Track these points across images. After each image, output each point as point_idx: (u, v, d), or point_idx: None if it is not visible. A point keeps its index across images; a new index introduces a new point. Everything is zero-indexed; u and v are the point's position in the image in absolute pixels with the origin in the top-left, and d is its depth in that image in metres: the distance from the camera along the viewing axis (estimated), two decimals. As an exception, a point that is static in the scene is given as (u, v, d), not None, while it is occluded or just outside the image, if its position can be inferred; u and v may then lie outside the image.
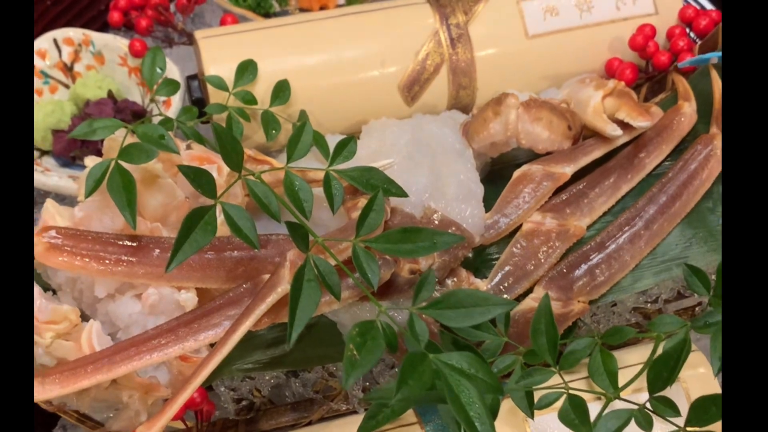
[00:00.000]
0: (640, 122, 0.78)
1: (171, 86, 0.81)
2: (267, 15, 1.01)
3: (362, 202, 0.72)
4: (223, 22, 0.93)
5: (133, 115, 0.90)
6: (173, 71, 0.91)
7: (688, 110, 0.83)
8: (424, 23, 0.88)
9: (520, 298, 0.75)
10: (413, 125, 0.83)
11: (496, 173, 0.83)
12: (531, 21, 0.89)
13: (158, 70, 0.80)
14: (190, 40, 0.95)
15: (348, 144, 0.73)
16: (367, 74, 0.87)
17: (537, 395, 0.66)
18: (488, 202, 0.78)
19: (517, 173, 0.78)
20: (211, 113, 0.82)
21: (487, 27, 0.89)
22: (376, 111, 0.89)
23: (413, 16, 0.89)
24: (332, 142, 0.84)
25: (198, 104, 0.87)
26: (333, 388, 0.78)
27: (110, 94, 0.91)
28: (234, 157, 0.68)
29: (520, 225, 0.76)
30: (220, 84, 0.83)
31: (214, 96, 0.85)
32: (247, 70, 0.84)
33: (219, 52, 0.86)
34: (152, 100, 0.92)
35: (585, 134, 0.83)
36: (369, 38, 0.88)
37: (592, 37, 0.91)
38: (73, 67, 0.95)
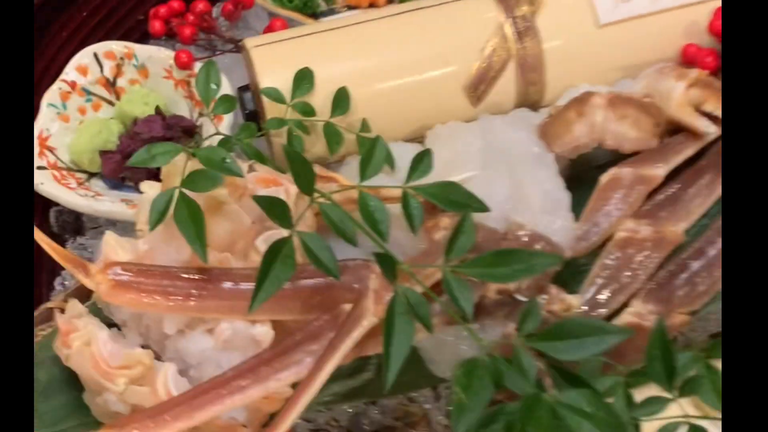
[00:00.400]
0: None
1: (227, 103, 0.76)
2: (314, 15, 0.96)
3: (444, 221, 0.68)
4: (270, 28, 0.88)
5: (183, 131, 0.85)
6: (223, 83, 0.86)
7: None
8: (487, 17, 0.82)
9: (615, 312, 0.70)
10: (483, 129, 0.78)
11: (576, 176, 0.77)
12: (602, 8, 0.83)
13: (213, 87, 0.75)
14: (237, 48, 0.90)
15: (424, 158, 0.68)
16: (429, 75, 0.82)
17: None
18: (573, 210, 0.73)
19: (605, 178, 0.73)
20: (270, 129, 0.77)
21: (555, 17, 0.83)
22: (439, 114, 0.83)
23: (474, 10, 0.83)
24: (395, 150, 0.80)
25: (251, 117, 0.82)
26: (413, 414, 0.74)
27: (158, 110, 0.87)
28: (306, 181, 0.63)
29: (612, 234, 0.71)
30: (277, 96, 0.78)
31: (269, 108, 0.80)
32: (304, 79, 0.79)
33: (272, 61, 0.81)
34: (201, 114, 0.87)
35: (669, 129, 0.78)
36: (428, 37, 0.82)
37: (666, 22, 0.84)
38: (116, 83, 0.91)
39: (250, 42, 0.82)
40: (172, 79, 0.90)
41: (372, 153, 0.68)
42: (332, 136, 0.78)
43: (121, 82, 0.91)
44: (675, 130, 0.77)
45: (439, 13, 0.83)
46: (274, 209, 0.60)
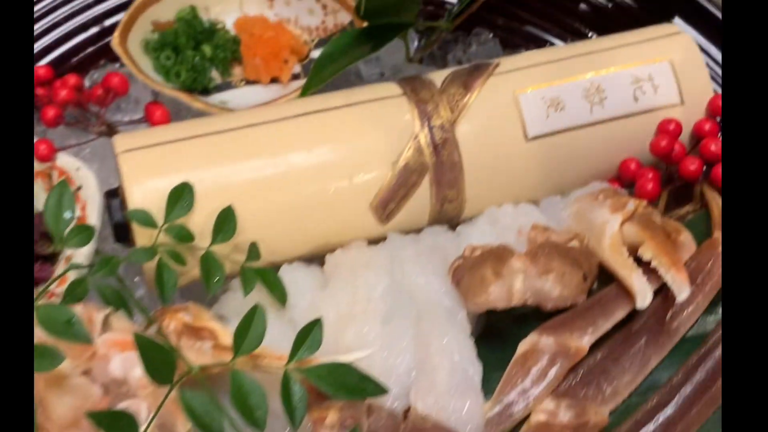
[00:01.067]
0: (674, 280, 0.63)
1: (83, 234, 0.63)
2: (206, 91, 0.83)
3: (332, 415, 0.57)
4: (149, 115, 0.75)
5: (42, 236, 0.73)
6: (88, 180, 0.73)
7: (728, 247, 0.67)
8: (401, 124, 0.71)
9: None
10: (391, 261, 0.68)
11: (493, 328, 0.67)
12: (531, 118, 0.73)
13: (67, 215, 0.62)
14: (111, 131, 0.77)
15: (312, 331, 0.57)
16: (332, 189, 0.70)
17: None
18: (485, 373, 0.63)
19: (522, 347, 0.62)
20: (136, 261, 0.65)
21: (477, 127, 0.72)
22: (342, 232, 0.72)
23: (388, 115, 0.72)
24: (290, 275, 0.69)
25: (120, 230, 0.70)
26: None
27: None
28: (163, 373, 0.52)
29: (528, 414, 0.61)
30: (146, 220, 0.66)
31: (139, 232, 0.67)
32: (181, 197, 0.66)
33: (145, 170, 0.68)
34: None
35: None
36: (333, 144, 0.70)
37: (605, 134, 0.74)
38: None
39: (120, 143, 0.69)
40: (31, 169, 0.77)
41: (248, 324, 0.56)
42: (211, 269, 0.66)
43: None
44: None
45: (347, 117, 0.71)
46: (115, 427, 0.49)
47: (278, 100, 0.80)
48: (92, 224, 0.72)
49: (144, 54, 0.83)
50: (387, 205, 0.71)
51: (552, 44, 0.91)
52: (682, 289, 0.62)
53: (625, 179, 0.75)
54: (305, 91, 0.76)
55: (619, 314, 0.64)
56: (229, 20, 0.86)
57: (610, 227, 0.68)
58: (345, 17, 0.86)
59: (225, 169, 0.69)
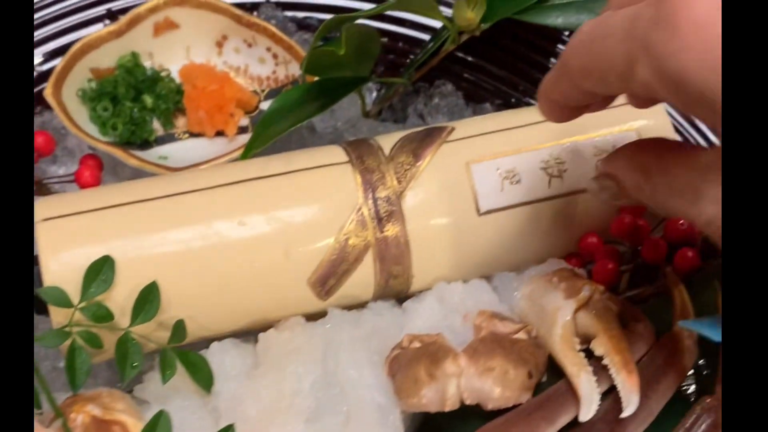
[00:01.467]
0: (624, 386, 0.57)
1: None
2: (146, 144, 0.78)
3: None
4: (78, 175, 0.70)
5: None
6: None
7: (689, 343, 0.62)
8: (343, 195, 0.66)
9: None
10: (324, 355, 0.63)
11: (431, 424, 0.62)
12: (484, 191, 0.67)
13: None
14: (40, 188, 0.73)
15: None
16: (266, 263, 0.65)
17: None
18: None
19: (457, 456, 0.58)
20: (46, 345, 0.60)
21: (426, 199, 0.66)
22: (278, 308, 0.67)
23: (330, 185, 0.66)
24: (218, 357, 0.64)
25: (40, 301, 0.65)
26: None
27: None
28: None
29: None
30: (60, 299, 0.61)
31: (55, 311, 0.62)
32: (100, 272, 0.61)
33: (64, 241, 0.63)
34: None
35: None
36: (269, 215, 0.65)
37: (563, 209, 0.69)
38: None
39: (40, 210, 0.64)
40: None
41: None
42: (127, 353, 0.61)
43: None
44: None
45: (286, 186, 0.66)
46: None
47: (222, 157, 0.75)
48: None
49: (81, 103, 0.78)
50: (326, 281, 0.66)
51: (519, 101, 0.86)
52: (630, 399, 0.56)
53: (584, 256, 0.70)
54: (247, 153, 0.71)
55: (566, 418, 0.59)
56: (174, 67, 0.82)
57: (563, 315, 0.63)
58: (296, 68, 0.81)
59: (151, 240, 0.64)
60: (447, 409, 0.57)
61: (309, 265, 0.66)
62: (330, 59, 0.73)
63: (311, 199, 0.66)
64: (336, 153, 0.69)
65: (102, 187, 0.70)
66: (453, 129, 0.70)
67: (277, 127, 0.72)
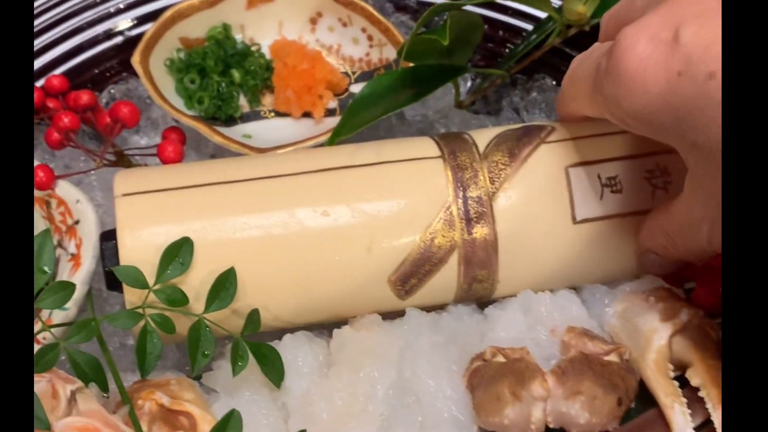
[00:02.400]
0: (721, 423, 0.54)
1: (61, 293, 0.56)
2: (231, 120, 0.76)
3: None
4: (161, 149, 0.68)
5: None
6: (87, 215, 0.67)
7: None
8: (433, 192, 0.63)
9: None
10: (401, 360, 0.60)
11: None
12: (581, 198, 0.63)
13: (44, 269, 0.56)
14: (120, 159, 0.71)
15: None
16: (348, 256, 0.62)
17: None
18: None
19: (539, 482, 0.54)
20: (118, 326, 0.58)
21: (519, 202, 0.63)
22: (355, 303, 0.64)
23: (420, 179, 0.63)
24: (290, 352, 0.62)
25: (112, 278, 0.63)
26: None
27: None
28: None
29: None
30: (136, 279, 0.59)
31: (129, 292, 0.60)
32: (178, 254, 0.59)
33: (142, 218, 0.61)
34: (60, 244, 0.68)
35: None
36: (354, 207, 0.62)
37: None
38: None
39: (120, 184, 0.62)
40: (28, 195, 0.70)
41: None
42: (199, 342, 0.59)
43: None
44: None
45: (373, 178, 0.63)
46: None
47: (307, 140, 0.72)
48: (87, 264, 0.66)
49: (168, 73, 0.76)
50: (407, 280, 0.63)
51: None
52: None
53: (682, 278, 0.66)
54: (333, 139, 0.68)
55: (656, 451, 0.56)
56: (265, 42, 0.79)
57: (658, 339, 0.59)
58: (391, 52, 0.77)
59: (231, 224, 0.61)
60: (534, 428, 0.54)
61: (391, 263, 0.62)
62: (430, 47, 0.69)
63: (399, 194, 0.63)
64: (428, 146, 0.65)
65: (184, 164, 0.68)
66: (553, 129, 0.66)
67: (366, 114, 0.69)
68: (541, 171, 0.64)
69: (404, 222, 0.62)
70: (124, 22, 0.82)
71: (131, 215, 0.61)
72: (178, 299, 0.59)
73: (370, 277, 0.63)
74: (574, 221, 0.63)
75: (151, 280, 0.59)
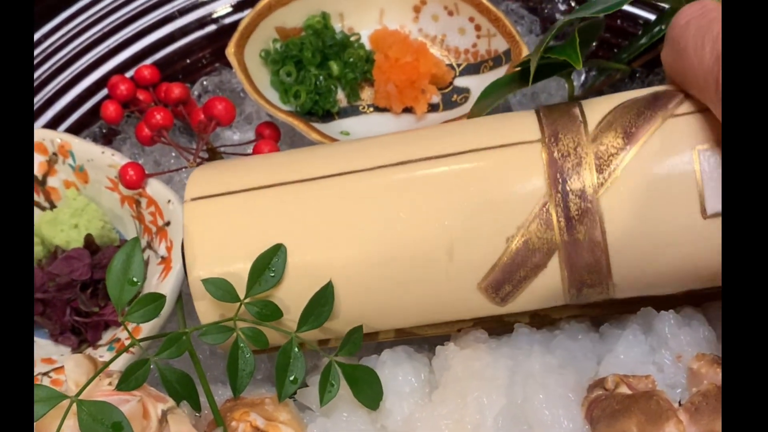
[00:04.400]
0: None
1: (152, 305, 0.53)
2: (328, 116, 0.71)
3: None
4: (256, 151, 0.64)
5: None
6: (179, 215, 0.63)
7: None
8: (526, 186, 0.55)
9: None
10: (511, 383, 0.55)
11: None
12: (714, 188, 0.54)
13: (133, 280, 0.52)
14: (213, 155, 0.67)
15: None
16: (424, 262, 0.56)
17: None
18: None
19: None
20: (208, 342, 0.55)
21: (633, 194, 0.54)
22: (445, 310, 0.58)
23: (512, 170, 0.55)
24: (389, 370, 0.57)
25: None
26: None
27: (88, 240, 0.65)
28: None
29: None
30: (225, 291, 0.54)
31: (204, 310, 0.57)
32: (267, 267, 0.54)
33: (215, 225, 0.56)
34: (150, 246, 0.65)
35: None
36: (430, 206, 0.56)
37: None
38: (47, 181, 0.69)
39: (192, 186, 0.58)
40: (118, 192, 0.67)
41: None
42: (287, 365, 0.54)
43: (53, 182, 0.69)
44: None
45: (457, 169, 0.56)
46: None
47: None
48: (177, 269, 0.63)
49: (263, 65, 0.72)
50: (500, 287, 0.56)
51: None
52: None
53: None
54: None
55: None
56: (365, 32, 0.74)
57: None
58: (500, 43, 0.72)
59: (312, 226, 0.56)
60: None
61: (477, 269, 0.55)
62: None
63: (484, 190, 0.55)
64: (527, 125, 0.57)
65: (265, 157, 0.63)
66: (685, 98, 0.56)
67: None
68: (664, 153, 0.55)
69: (489, 223, 0.55)
70: (219, 10, 0.79)
71: (201, 222, 0.56)
72: (271, 313, 0.55)
73: (454, 284, 0.56)
74: (705, 215, 0.56)
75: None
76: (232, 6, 0.78)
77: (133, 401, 0.50)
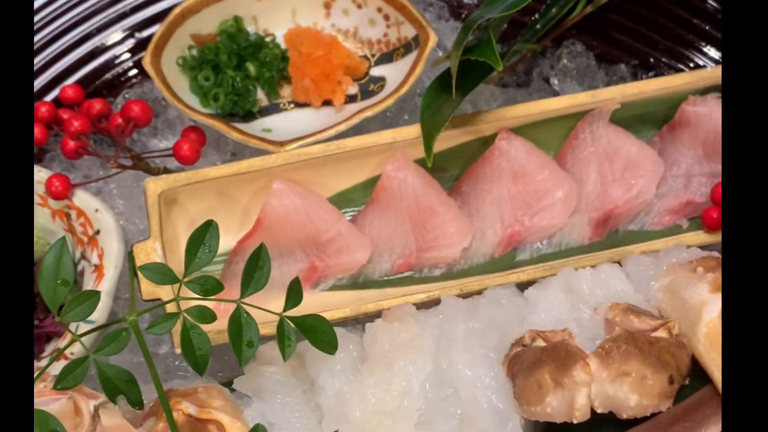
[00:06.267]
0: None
1: (86, 303, 0.53)
2: (249, 115, 0.73)
3: None
4: (176, 150, 0.66)
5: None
6: (107, 222, 0.65)
7: None
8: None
9: None
10: (437, 350, 0.57)
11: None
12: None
13: (65, 280, 0.53)
14: (138, 162, 0.68)
15: None
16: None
17: None
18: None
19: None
20: (156, 333, 0.56)
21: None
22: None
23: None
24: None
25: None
26: None
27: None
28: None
29: None
30: (162, 275, 0.55)
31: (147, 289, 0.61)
32: (202, 241, 0.56)
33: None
34: (84, 257, 0.66)
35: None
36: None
37: None
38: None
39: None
40: (48, 207, 0.68)
41: None
42: (241, 332, 0.55)
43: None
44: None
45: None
46: None
47: (329, 129, 0.69)
48: (110, 275, 0.64)
49: (181, 72, 0.73)
50: None
51: (658, 61, 0.76)
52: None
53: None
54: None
55: (713, 430, 0.51)
56: (279, 32, 0.76)
57: (709, 311, 0.55)
58: (409, 30, 0.73)
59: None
60: (576, 420, 0.50)
61: None
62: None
63: None
64: None
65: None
66: None
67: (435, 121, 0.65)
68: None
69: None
70: (134, 24, 0.80)
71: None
72: (211, 288, 0.56)
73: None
74: None
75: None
76: (149, 18, 0.79)
77: (62, 399, 0.51)
